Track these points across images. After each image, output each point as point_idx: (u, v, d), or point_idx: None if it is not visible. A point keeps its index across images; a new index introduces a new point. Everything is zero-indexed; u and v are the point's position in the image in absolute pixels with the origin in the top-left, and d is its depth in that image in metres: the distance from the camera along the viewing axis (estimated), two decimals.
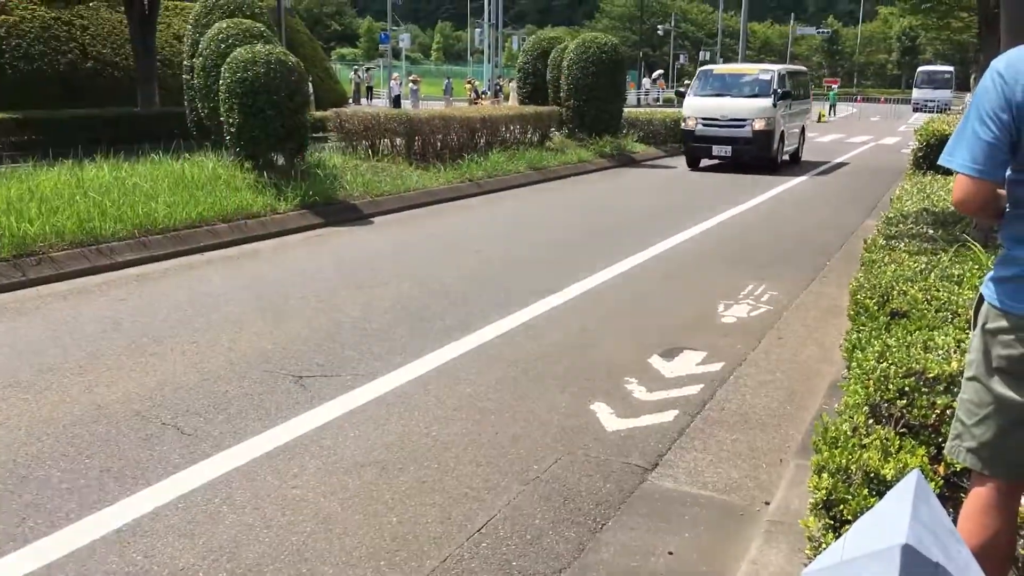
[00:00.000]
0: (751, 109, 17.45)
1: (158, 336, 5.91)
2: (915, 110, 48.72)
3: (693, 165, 18.21)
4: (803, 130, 20.02)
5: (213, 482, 3.84)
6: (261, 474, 3.93)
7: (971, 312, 2.47)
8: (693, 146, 17.97)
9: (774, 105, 17.32)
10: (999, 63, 2.27)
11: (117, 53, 22.49)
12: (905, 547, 1.26)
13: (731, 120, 17.45)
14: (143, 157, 11.98)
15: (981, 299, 2.39)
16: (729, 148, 17.29)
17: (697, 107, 18.02)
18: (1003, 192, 2.32)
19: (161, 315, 6.45)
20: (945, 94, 49.16)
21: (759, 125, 17.14)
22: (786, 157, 18.45)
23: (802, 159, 19.86)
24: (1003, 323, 2.29)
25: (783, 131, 17.87)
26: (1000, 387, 2.29)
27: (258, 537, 3.39)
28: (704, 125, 17.65)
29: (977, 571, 1.38)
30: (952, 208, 7.71)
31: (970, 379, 2.39)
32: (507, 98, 31.41)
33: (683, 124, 18.25)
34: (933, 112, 38.64)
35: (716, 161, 18.15)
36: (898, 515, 1.36)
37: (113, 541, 3.34)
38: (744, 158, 17.59)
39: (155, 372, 5.21)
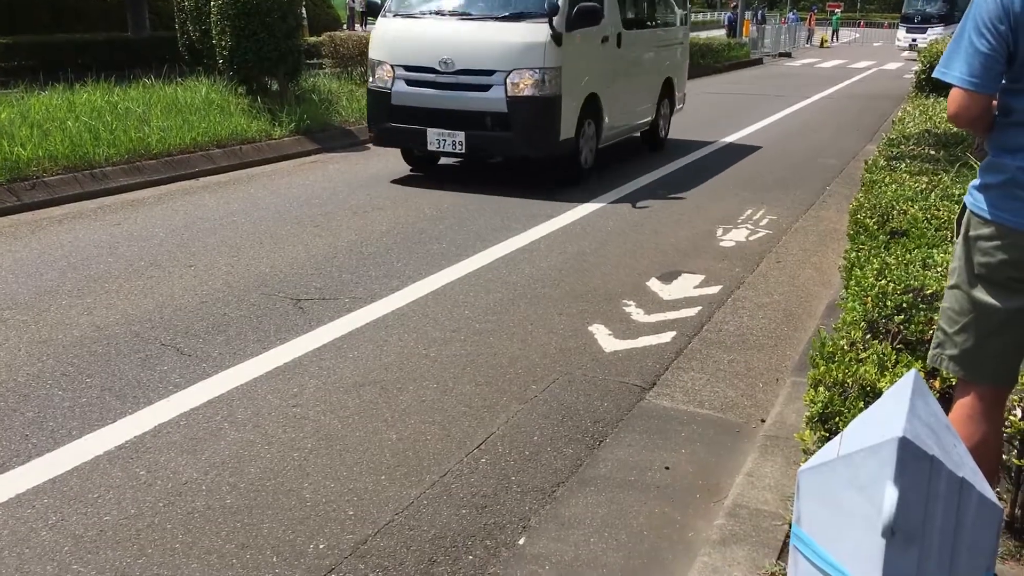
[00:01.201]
0: (505, 50, 8.16)
1: (155, 260, 5.89)
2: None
3: (412, 161, 9.39)
4: (670, 87, 10.99)
5: (213, 400, 3.86)
6: (261, 393, 3.95)
7: (955, 221, 2.46)
8: (389, 128, 8.65)
9: (557, 39, 8.04)
10: None
11: None
12: (902, 440, 1.27)
13: (461, 73, 8.26)
14: (135, 82, 11.79)
15: (964, 208, 2.38)
16: (461, 136, 8.23)
17: (393, 42, 8.66)
18: (995, 103, 2.29)
19: (158, 239, 6.42)
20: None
21: (523, 85, 8.04)
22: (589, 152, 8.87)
23: (668, 138, 11.32)
24: (985, 230, 2.29)
25: (598, 97, 8.86)
26: (981, 294, 2.30)
27: (260, 453, 3.43)
28: (409, 83, 8.50)
29: (972, 465, 1.39)
30: (955, 130, 7.65)
31: (952, 287, 2.41)
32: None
33: (369, 79, 9.01)
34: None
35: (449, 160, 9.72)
36: (895, 411, 1.37)
37: (116, 456, 3.38)
38: (492, 155, 9.30)
39: (153, 295, 5.21)
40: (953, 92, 2.29)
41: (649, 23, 10.62)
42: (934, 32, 32.15)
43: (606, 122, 9.08)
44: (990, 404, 2.36)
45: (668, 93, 10.99)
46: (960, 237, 2.39)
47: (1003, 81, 2.25)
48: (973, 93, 2.23)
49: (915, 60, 29.62)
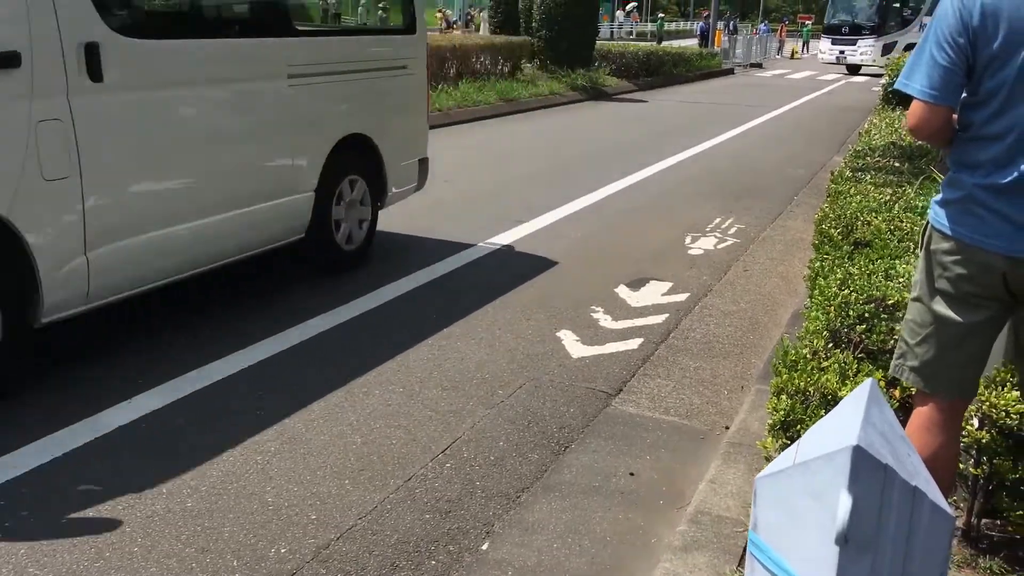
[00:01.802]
0: None
1: None
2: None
3: None
4: (368, 155, 5.85)
5: (175, 403, 3.82)
6: (224, 395, 3.91)
7: (920, 235, 2.50)
8: None
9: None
10: None
11: None
12: (856, 448, 1.28)
13: None
14: None
15: (928, 222, 2.42)
16: None
17: None
18: (956, 117, 2.32)
19: None
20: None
21: None
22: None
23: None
24: (945, 245, 2.32)
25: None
26: (941, 307, 2.33)
27: (222, 456, 3.40)
28: None
29: (925, 474, 1.41)
30: (918, 142, 7.76)
31: (914, 299, 2.44)
32: (478, 28, 30.91)
33: None
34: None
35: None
36: (851, 420, 1.39)
37: (73, 458, 3.33)
38: None
39: None
40: (913, 104, 2.31)
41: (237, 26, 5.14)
42: (865, 45, 30.07)
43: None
44: (948, 415, 2.39)
45: (364, 165, 5.86)
46: (922, 251, 2.42)
47: (963, 95, 2.28)
48: (933, 105, 2.25)
49: (845, 75, 29.55)
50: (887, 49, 28.81)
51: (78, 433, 3.52)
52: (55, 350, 4.31)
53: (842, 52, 30.63)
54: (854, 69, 30.92)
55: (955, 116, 2.32)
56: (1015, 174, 2.17)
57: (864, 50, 29.90)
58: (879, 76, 25.04)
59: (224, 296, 5.20)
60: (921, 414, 2.41)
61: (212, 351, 4.38)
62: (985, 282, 2.26)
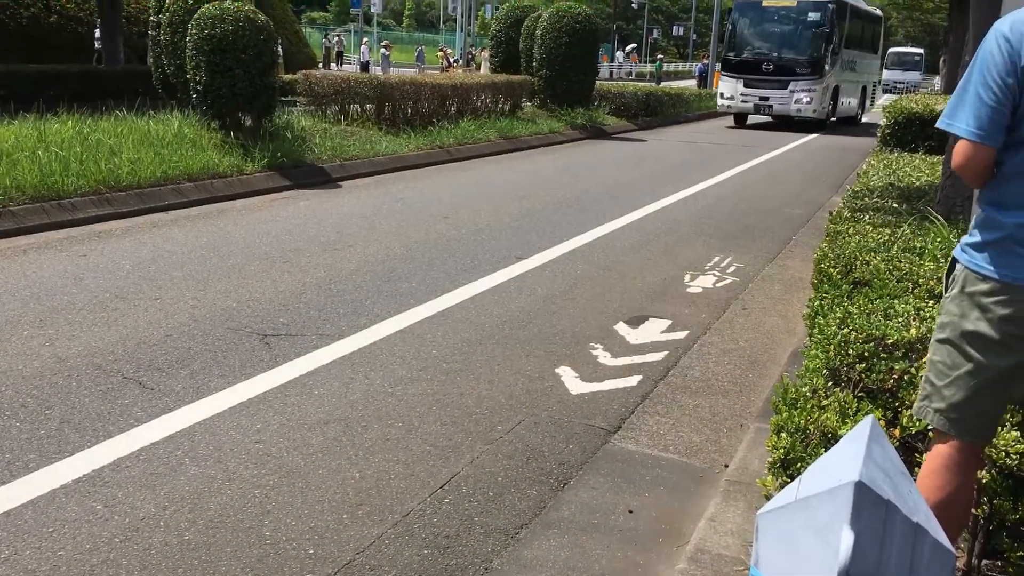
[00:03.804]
0: None
1: (121, 292, 5.84)
2: (885, 91, 49.00)
3: None
4: None
5: (175, 435, 3.82)
6: (224, 428, 3.91)
7: (944, 276, 2.47)
8: None
9: None
10: (1003, 25, 2.23)
11: (81, 8, 21.99)
12: (858, 484, 1.29)
13: None
14: (107, 114, 11.77)
15: (954, 263, 2.40)
16: None
17: None
18: None
19: (124, 271, 6.37)
20: (915, 76, 49.41)
21: None
22: None
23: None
24: (984, 286, 2.28)
25: None
26: (976, 350, 2.30)
27: (220, 489, 3.38)
28: None
29: (927, 511, 1.42)
30: (917, 183, 7.82)
31: (943, 341, 2.39)
32: (479, 67, 31.21)
33: None
34: (903, 93, 38.69)
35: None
36: (852, 456, 1.39)
37: (73, 490, 3.32)
38: None
39: (117, 327, 5.15)
40: (960, 144, 2.28)
41: None
42: (803, 89, 22.25)
43: None
44: (968, 457, 2.36)
45: None
46: (954, 291, 2.38)
47: None
48: (980, 145, 2.23)
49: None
50: (834, 95, 23.58)
51: (76, 465, 3.51)
52: (47, 383, 4.31)
53: (764, 99, 22.80)
54: (783, 119, 23.38)
55: None
56: None
57: (801, 96, 22.33)
58: (821, 126, 22.85)
59: (222, 332, 5.21)
60: (941, 455, 2.38)
61: (210, 385, 4.38)
62: None
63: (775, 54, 22.88)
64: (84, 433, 3.79)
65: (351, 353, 4.93)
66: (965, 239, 2.38)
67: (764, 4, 23.13)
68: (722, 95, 23.80)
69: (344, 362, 4.79)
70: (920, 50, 55.23)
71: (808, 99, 22.27)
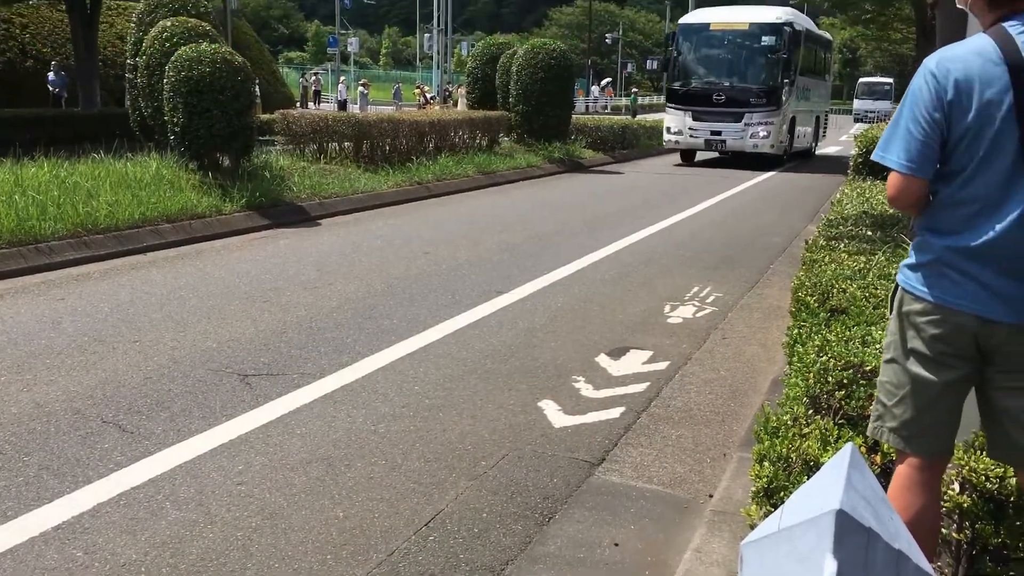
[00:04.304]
0: None
1: (99, 335, 5.80)
2: (856, 120, 49.77)
3: None
4: None
5: (155, 479, 3.78)
6: (205, 471, 3.88)
7: (888, 298, 2.56)
8: None
9: None
10: (930, 62, 2.34)
11: (58, 52, 22.04)
12: (839, 512, 1.30)
13: None
14: (84, 157, 11.76)
15: (897, 285, 2.48)
16: None
17: None
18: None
19: (102, 314, 6.33)
20: (885, 105, 50.23)
21: None
22: None
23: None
24: (917, 306, 2.38)
25: None
26: (916, 368, 2.39)
27: (202, 533, 3.35)
28: None
29: (908, 537, 1.43)
30: (890, 211, 7.92)
31: (888, 361, 2.49)
32: (456, 103, 31.44)
33: None
34: (874, 122, 39.19)
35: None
36: (833, 484, 1.40)
37: (52, 537, 3.28)
38: None
39: (96, 371, 5.11)
40: (892, 176, 2.38)
41: None
42: (757, 120, 19.90)
43: None
44: (929, 475, 2.42)
45: None
46: (894, 313, 2.47)
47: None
48: (911, 177, 2.33)
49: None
50: (791, 127, 21.26)
51: (55, 512, 3.47)
52: (25, 429, 4.26)
53: (716, 133, 20.26)
54: (737, 155, 20.86)
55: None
56: (983, 238, 2.25)
57: (757, 129, 19.98)
58: (777, 162, 20.53)
59: (202, 373, 5.18)
60: (902, 475, 2.44)
61: (191, 427, 4.35)
62: (958, 342, 2.32)
63: (727, 83, 20.55)
64: (63, 479, 3.75)
65: (333, 391, 4.91)
66: (905, 260, 2.47)
67: (712, 27, 20.89)
68: (668, 129, 21.21)
69: (326, 401, 4.77)
70: (890, 80, 56.21)
71: (765, 132, 20.00)
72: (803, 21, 22.41)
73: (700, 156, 22.25)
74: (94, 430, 4.28)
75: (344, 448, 4.16)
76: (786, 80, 20.24)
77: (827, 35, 27.36)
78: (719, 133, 20.22)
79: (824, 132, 27.43)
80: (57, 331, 5.89)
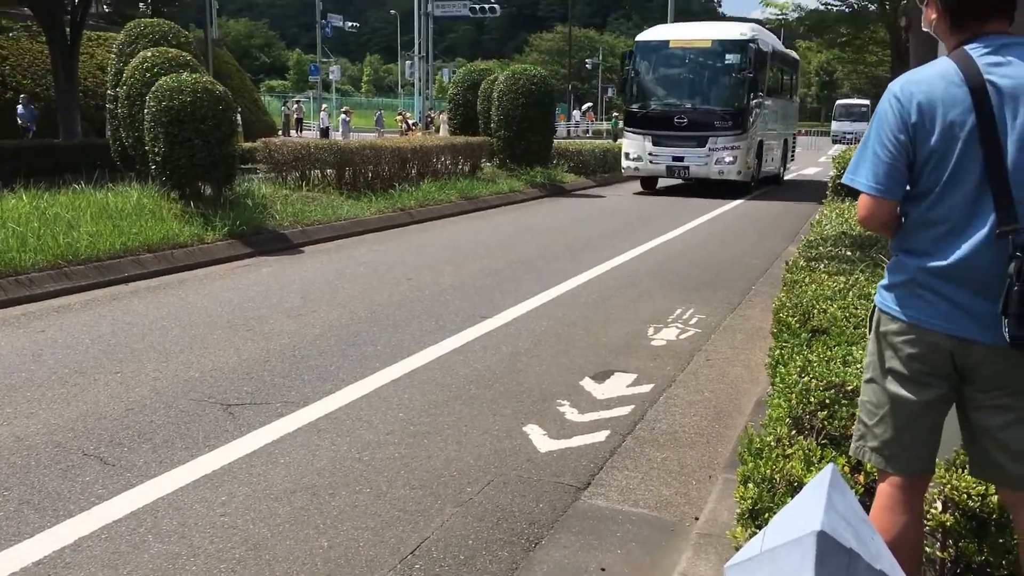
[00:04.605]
0: None
1: (80, 367, 5.76)
2: (834, 142, 50.28)
3: None
4: None
5: (137, 512, 3.74)
6: (188, 503, 3.85)
7: (868, 318, 2.58)
8: None
9: None
10: (895, 86, 2.39)
11: (38, 83, 22.02)
12: (820, 533, 1.31)
13: None
14: (65, 188, 11.72)
15: (875, 305, 2.51)
16: None
17: None
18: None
19: (83, 346, 6.29)
20: (862, 126, 50.61)
21: None
22: None
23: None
24: (893, 326, 2.41)
25: None
26: (894, 387, 2.41)
27: (185, 566, 3.32)
28: None
29: (889, 557, 1.44)
30: (867, 232, 7.99)
31: (868, 381, 2.52)
32: (438, 129, 31.56)
33: None
34: (852, 143, 39.53)
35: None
36: (814, 505, 1.42)
37: (33, 573, 3.24)
38: None
39: (77, 403, 5.07)
40: (861, 198, 2.43)
41: None
42: (722, 145, 18.41)
43: None
44: (910, 494, 2.44)
45: None
46: (872, 333, 2.50)
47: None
48: (879, 199, 2.37)
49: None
50: (758, 152, 19.88)
51: (36, 547, 3.43)
52: (4, 463, 4.22)
53: (678, 159, 18.88)
54: (702, 182, 19.32)
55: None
56: (953, 258, 2.28)
57: (723, 155, 18.57)
58: (745, 190, 18.99)
59: (185, 403, 5.15)
60: (884, 494, 2.46)
61: (173, 458, 4.32)
62: (934, 361, 2.34)
63: (689, 105, 19.09)
64: (44, 513, 3.71)
65: (317, 419, 4.89)
66: (881, 282, 2.50)
67: (671, 44, 19.48)
68: (627, 155, 19.65)
69: (310, 429, 4.75)
70: (866, 101, 56.83)
71: (731, 158, 18.56)
72: (769, 38, 21.23)
73: (663, 183, 21.08)
74: (75, 463, 4.24)
75: (328, 477, 4.14)
76: (752, 101, 18.87)
77: (793, 54, 26.27)
78: (681, 159, 18.88)
79: (792, 156, 26.08)
80: (38, 363, 5.84)
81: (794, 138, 26.36)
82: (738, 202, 17.65)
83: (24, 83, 21.77)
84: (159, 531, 3.58)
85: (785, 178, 24.47)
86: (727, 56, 18.83)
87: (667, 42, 19.52)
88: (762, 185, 21.10)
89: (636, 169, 19.59)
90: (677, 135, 18.84)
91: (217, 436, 4.61)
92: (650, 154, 19.15)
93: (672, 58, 19.65)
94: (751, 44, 18.69)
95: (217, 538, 3.53)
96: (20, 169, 14.38)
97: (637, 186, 21.15)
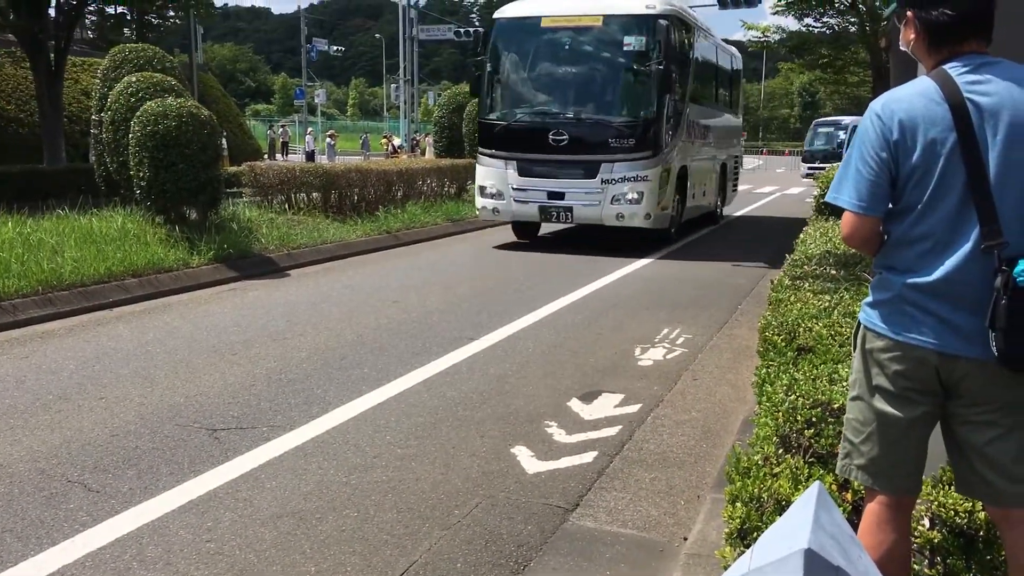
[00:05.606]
0: None
1: (64, 393, 5.71)
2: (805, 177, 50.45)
3: None
4: None
5: (122, 539, 3.71)
6: (173, 529, 3.81)
7: (852, 336, 2.60)
8: None
9: None
10: (876, 104, 2.42)
11: (22, 109, 21.97)
12: (808, 552, 1.31)
13: None
14: (49, 213, 11.68)
15: (860, 323, 2.52)
16: None
17: None
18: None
19: (67, 371, 6.24)
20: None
21: None
22: None
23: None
24: (879, 343, 2.42)
25: None
26: (881, 404, 2.42)
27: None
28: None
29: (877, 575, 1.44)
30: (853, 250, 8.04)
31: (854, 399, 2.52)
32: (424, 152, 31.63)
33: None
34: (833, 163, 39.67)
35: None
36: (801, 524, 1.42)
37: None
38: None
39: (61, 429, 5.03)
40: (845, 215, 2.45)
41: None
42: (621, 174, 12.34)
43: None
44: (897, 512, 2.44)
45: None
46: (857, 351, 2.51)
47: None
48: (863, 216, 2.39)
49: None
50: (680, 184, 13.76)
51: (21, 574, 3.39)
52: None
53: (556, 196, 12.73)
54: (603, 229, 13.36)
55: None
56: (938, 274, 2.30)
57: (623, 189, 12.50)
58: (664, 240, 13.54)
59: (170, 429, 5.11)
60: (871, 512, 2.46)
61: (158, 484, 4.28)
62: (920, 377, 2.35)
63: (571, 114, 12.81)
64: (27, 541, 3.67)
65: (303, 443, 4.86)
66: (865, 299, 2.52)
67: (544, 23, 13.07)
68: (483, 190, 13.43)
69: (296, 453, 4.72)
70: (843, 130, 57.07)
71: (635, 194, 12.48)
72: (693, 18, 15.01)
73: (546, 228, 14.98)
74: (59, 490, 4.19)
75: (315, 501, 4.11)
76: (668, 108, 12.73)
77: (733, 49, 19.28)
78: (561, 195, 12.70)
79: (735, 185, 19.41)
80: (21, 390, 5.79)
81: (737, 161, 19.49)
82: (644, 262, 12.08)
83: (8, 108, 21.71)
84: (144, 558, 3.55)
85: (736, 213, 19.85)
86: (627, 39, 12.61)
87: (539, 20, 13.12)
88: (692, 229, 15.59)
89: (495, 211, 13.37)
90: (554, 159, 12.68)
91: (203, 461, 4.58)
92: (516, 189, 12.97)
93: (547, 44, 13.27)
94: (661, 20, 12.35)
95: (203, 564, 3.50)
96: (3, 195, 14.31)
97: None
